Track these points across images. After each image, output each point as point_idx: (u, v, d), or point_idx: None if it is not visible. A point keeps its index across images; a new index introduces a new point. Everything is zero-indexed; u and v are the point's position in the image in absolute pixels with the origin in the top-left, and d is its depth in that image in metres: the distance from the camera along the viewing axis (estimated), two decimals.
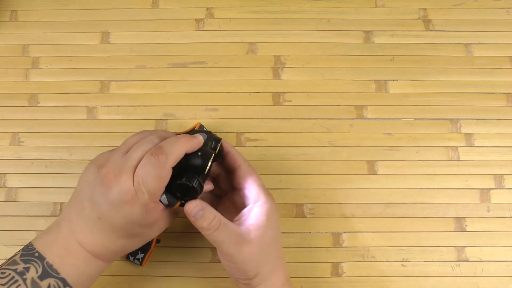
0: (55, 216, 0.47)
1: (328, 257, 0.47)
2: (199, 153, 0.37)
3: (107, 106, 0.51)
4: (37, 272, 0.33)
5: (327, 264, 0.46)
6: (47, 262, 0.33)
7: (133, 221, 0.35)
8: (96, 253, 0.35)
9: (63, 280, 0.34)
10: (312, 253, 0.47)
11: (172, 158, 0.35)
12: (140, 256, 0.45)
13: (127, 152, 0.36)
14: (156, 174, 0.34)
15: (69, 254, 0.34)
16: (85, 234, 0.35)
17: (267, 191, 0.40)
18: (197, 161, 0.37)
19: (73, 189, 0.47)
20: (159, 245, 0.47)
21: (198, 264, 0.47)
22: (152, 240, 0.45)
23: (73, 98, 0.51)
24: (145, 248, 0.45)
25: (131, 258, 0.45)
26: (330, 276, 0.46)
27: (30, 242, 0.35)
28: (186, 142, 0.36)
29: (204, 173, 0.37)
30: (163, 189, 0.35)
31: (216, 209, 0.38)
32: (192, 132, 0.41)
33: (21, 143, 0.50)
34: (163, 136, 0.37)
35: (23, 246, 0.35)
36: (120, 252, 0.37)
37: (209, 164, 0.37)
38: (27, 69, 0.52)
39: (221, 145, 0.41)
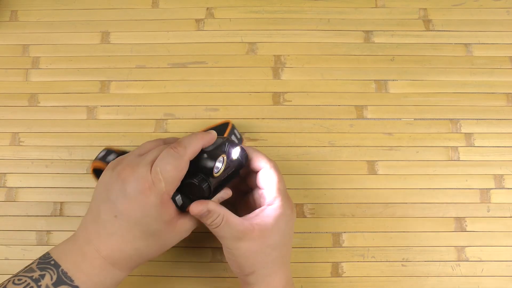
0: (55, 216, 0.47)
1: (328, 257, 0.47)
2: (205, 155, 0.37)
3: (107, 106, 0.51)
4: (52, 279, 0.33)
5: (327, 264, 0.46)
6: (62, 270, 0.34)
7: (149, 214, 0.35)
8: (112, 258, 0.35)
9: None
10: (312, 253, 0.47)
11: (190, 150, 0.36)
12: None
13: (142, 154, 0.37)
14: (174, 164, 0.35)
15: (84, 261, 0.34)
16: (101, 239, 0.35)
17: (288, 198, 0.40)
18: (206, 163, 0.37)
19: (73, 188, 0.48)
20: None
21: (198, 264, 0.47)
22: None
23: (73, 98, 0.51)
24: None
25: None
26: (330, 276, 0.46)
27: (47, 251, 0.35)
28: (203, 137, 0.38)
29: (213, 175, 0.37)
30: (179, 181, 0.36)
31: (238, 204, 0.42)
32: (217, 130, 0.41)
33: (21, 143, 0.50)
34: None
35: (40, 256, 0.35)
36: (137, 258, 0.37)
37: (217, 163, 0.37)
38: (27, 69, 0.53)
39: (245, 154, 0.41)
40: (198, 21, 0.54)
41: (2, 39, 0.54)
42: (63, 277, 0.33)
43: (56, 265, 0.34)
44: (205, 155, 0.37)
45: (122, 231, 0.35)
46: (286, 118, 0.51)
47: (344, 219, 0.48)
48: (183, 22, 0.54)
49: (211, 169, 0.37)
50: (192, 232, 0.47)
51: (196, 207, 0.36)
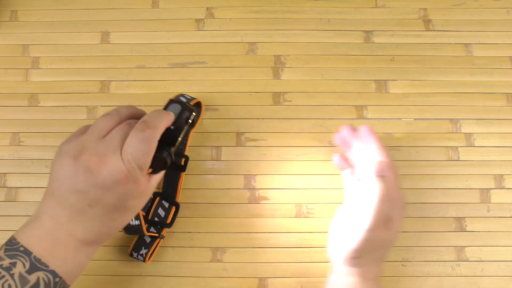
0: None
1: (328, 257, 0.47)
2: (172, 127, 0.37)
3: (107, 106, 0.51)
4: (24, 267, 0.32)
5: (327, 264, 0.46)
6: (35, 257, 0.33)
7: (127, 197, 0.34)
8: (89, 241, 0.35)
9: (52, 272, 0.33)
10: (312, 253, 0.47)
11: (158, 132, 0.35)
12: (143, 251, 0.45)
13: (102, 136, 0.35)
14: (146, 149, 0.34)
15: (57, 246, 0.34)
16: (76, 224, 0.34)
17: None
18: (170, 135, 0.37)
19: None
20: (162, 244, 0.47)
21: (198, 264, 0.47)
22: (156, 238, 0.46)
23: (73, 98, 0.51)
24: (148, 244, 0.45)
25: (135, 254, 0.45)
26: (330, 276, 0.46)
27: (12, 236, 0.34)
28: (167, 117, 0.37)
29: (175, 145, 0.38)
30: (150, 161, 0.35)
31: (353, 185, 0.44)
32: (168, 104, 0.41)
33: (21, 143, 0.50)
34: (136, 114, 0.38)
35: (6, 241, 0.34)
36: (113, 233, 0.37)
37: (181, 136, 0.38)
38: (27, 69, 0.53)
39: (196, 114, 0.41)
40: (198, 21, 0.54)
41: (2, 39, 0.54)
42: (36, 263, 0.33)
43: (27, 252, 0.33)
44: (172, 127, 0.37)
45: (99, 217, 0.34)
46: (286, 118, 0.51)
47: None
48: (183, 22, 0.54)
49: (174, 139, 0.37)
50: (192, 232, 0.47)
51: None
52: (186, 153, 0.49)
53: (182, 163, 0.47)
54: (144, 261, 0.45)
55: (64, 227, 0.34)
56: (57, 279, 0.34)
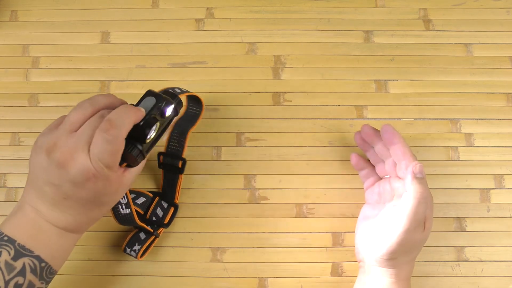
0: None
1: (328, 257, 0.47)
2: (141, 123, 0.37)
3: None
4: (9, 255, 0.33)
5: (327, 264, 0.47)
6: (19, 244, 0.34)
7: (100, 193, 0.35)
8: (69, 229, 0.36)
9: (37, 257, 0.34)
10: (312, 253, 0.47)
11: (124, 131, 0.35)
12: (137, 247, 0.45)
13: (74, 130, 0.35)
14: (111, 150, 0.34)
15: (40, 233, 0.35)
16: (55, 214, 0.35)
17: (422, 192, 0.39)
18: (138, 130, 0.37)
19: None
20: (156, 244, 0.47)
21: (198, 264, 0.47)
22: (150, 235, 0.46)
23: (73, 98, 0.51)
24: (142, 241, 0.45)
25: (128, 250, 0.45)
26: (330, 276, 0.46)
27: None
28: (135, 113, 0.36)
29: (145, 141, 0.37)
30: (119, 159, 0.35)
31: (373, 185, 0.45)
32: (144, 96, 0.39)
33: (21, 143, 0.50)
34: (114, 103, 0.37)
35: None
36: (93, 222, 0.38)
37: (151, 132, 0.37)
38: (27, 69, 0.53)
39: (180, 103, 0.40)
40: (198, 21, 0.54)
41: (2, 39, 0.54)
42: (21, 250, 0.33)
43: (11, 240, 0.34)
44: (141, 123, 0.36)
45: (75, 208, 0.35)
46: (286, 118, 0.51)
47: (344, 219, 0.48)
48: (183, 22, 0.54)
49: (143, 135, 0.37)
50: (192, 232, 0.47)
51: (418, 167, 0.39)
52: (186, 153, 0.49)
53: (180, 165, 0.47)
54: (136, 257, 0.45)
55: (44, 216, 0.35)
56: (43, 264, 0.34)
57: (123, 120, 0.35)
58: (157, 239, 0.46)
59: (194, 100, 0.48)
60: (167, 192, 0.47)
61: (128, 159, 0.37)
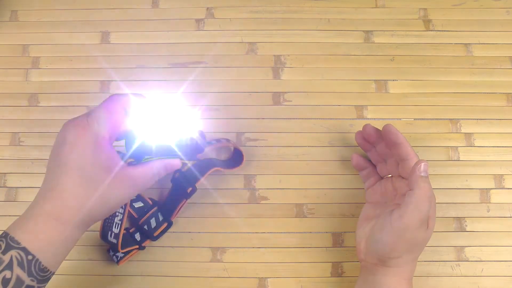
0: None
1: (328, 257, 0.47)
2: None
3: None
4: (1, 248, 0.33)
5: (327, 264, 0.47)
6: (10, 236, 0.33)
7: (86, 158, 0.35)
8: (55, 215, 0.34)
9: (24, 249, 0.33)
10: (312, 253, 0.47)
11: (126, 98, 0.38)
12: (120, 254, 0.45)
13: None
14: (103, 103, 0.36)
15: (28, 221, 0.34)
16: (49, 198, 0.34)
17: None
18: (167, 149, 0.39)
19: None
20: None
21: (197, 264, 0.47)
22: (135, 244, 0.45)
23: (73, 98, 0.51)
24: (127, 251, 0.45)
25: (111, 253, 0.45)
26: (330, 276, 0.46)
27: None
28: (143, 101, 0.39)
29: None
30: (115, 128, 0.37)
31: (374, 185, 0.45)
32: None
33: (21, 143, 0.50)
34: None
35: None
36: (89, 214, 0.36)
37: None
38: (27, 69, 0.53)
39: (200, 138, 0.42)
40: (198, 21, 0.54)
41: (2, 39, 0.54)
42: (10, 242, 0.33)
43: (5, 234, 0.33)
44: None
45: (67, 185, 0.34)
46: (286, 118, 0.51)
47: (344, 219, 0.48)
48: (183, 22, 0.54)
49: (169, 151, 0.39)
50: (192, 232, 0.47)
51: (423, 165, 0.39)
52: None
53: (188, 191, 0.46)
54: (117, 263, 0.45)
55: (41, 204, 0.34)
56: (29, 257, 0.33)
57: (133, 97, 0.38)
58: (138, 251, 0.46)
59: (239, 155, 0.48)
60: (167, 207, 0.47)
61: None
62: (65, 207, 0.34)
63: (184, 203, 0.47)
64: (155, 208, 0.46)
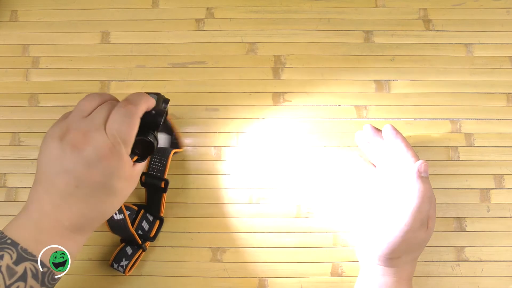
0: None
1: (328, 257, 0.47)
2: (153, 112, 0.39)
3: None
4: (11, 258, 0.32)
5: (327, 264, 0.47)
6: (21, 247, 0.33)
7: (112, 175, 0.35)
8: (75, 226, 0.35)
9: (39, 262, 0.33)
10: (312, 253, 0.47)
11: (141, 108, 0.37)
12: (124, 263, 0.45)
13: (85, 116, 0.36)
14: (129, 122, 0.35)
15: (43, 235, 0.34)
16: (63, 210, 0.34)
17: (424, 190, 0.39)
18: (153, 118, 0.38)
19: None
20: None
21: (198, 264, 0.47)
22: (138, 249, 0.45)
23: (73, 98, 0.51)
24: (129, 256, 0.45)
25: (115, 265, 0.45)
26: (330, 276, 0.46)
27: (1, 230, 0.34)
28: (148, 99, 0.38)
29: (158, 129, 0.39)
30: (134, 137, 0.36)
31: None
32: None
33: (21, 143, 0.50)
34: (113, 98, 0.38)
35: None
36: (100, 219, 0.37)
37: (162, 120, 0.39)
38: (27, 69, 0.53)
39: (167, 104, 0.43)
40: (198, 21, 0.54)
41: (2, 39, 0.54)
42: (23, 254, 0.33)
43: (14, 243, 0.33)
44: (151, 112, 0.38)
45: (85, 199, 0.34)
46: (286, 118, 0.51)
47: (344, 219, 0.48)
48: (183, 22, 0.54)
49: (156, 123, 0.38)
50: (192, 232, 0.47)
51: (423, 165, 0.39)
52: (185, 153, 0.49)
53: (162, 185, 0.46)
54: (124, 272, 0.45)
55: (50, 215, 0.34)
56: (44, 269, 0.33)
57: (140, 99, 0.37)
58: (144, 253, 0.46)
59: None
60: (152, 206, 0.47)
61: (143, 147, 0.37)
62: (87, 221, 0.36)
63: (164, 197, 0.46)
64: (142, 211, 0.47)
